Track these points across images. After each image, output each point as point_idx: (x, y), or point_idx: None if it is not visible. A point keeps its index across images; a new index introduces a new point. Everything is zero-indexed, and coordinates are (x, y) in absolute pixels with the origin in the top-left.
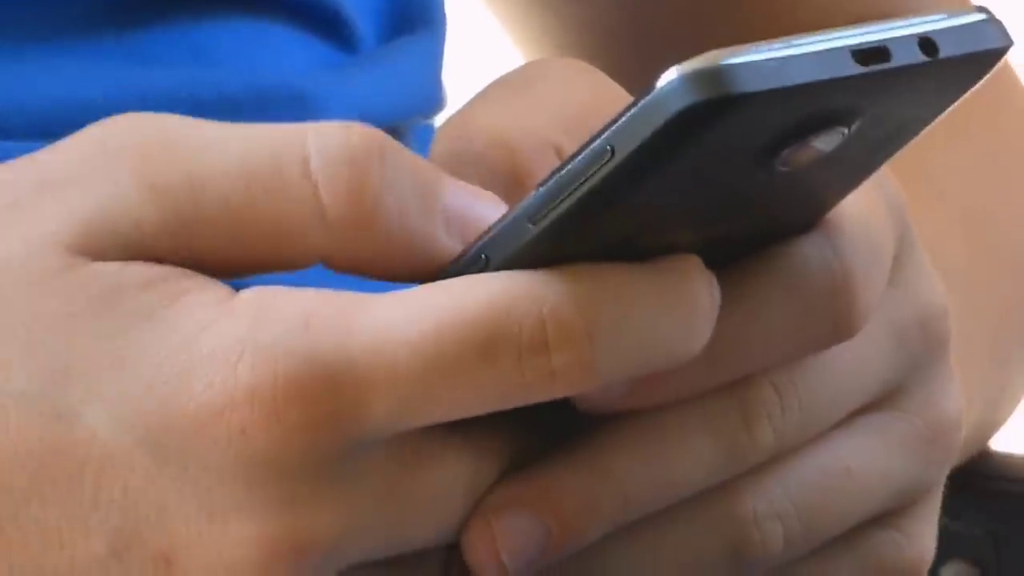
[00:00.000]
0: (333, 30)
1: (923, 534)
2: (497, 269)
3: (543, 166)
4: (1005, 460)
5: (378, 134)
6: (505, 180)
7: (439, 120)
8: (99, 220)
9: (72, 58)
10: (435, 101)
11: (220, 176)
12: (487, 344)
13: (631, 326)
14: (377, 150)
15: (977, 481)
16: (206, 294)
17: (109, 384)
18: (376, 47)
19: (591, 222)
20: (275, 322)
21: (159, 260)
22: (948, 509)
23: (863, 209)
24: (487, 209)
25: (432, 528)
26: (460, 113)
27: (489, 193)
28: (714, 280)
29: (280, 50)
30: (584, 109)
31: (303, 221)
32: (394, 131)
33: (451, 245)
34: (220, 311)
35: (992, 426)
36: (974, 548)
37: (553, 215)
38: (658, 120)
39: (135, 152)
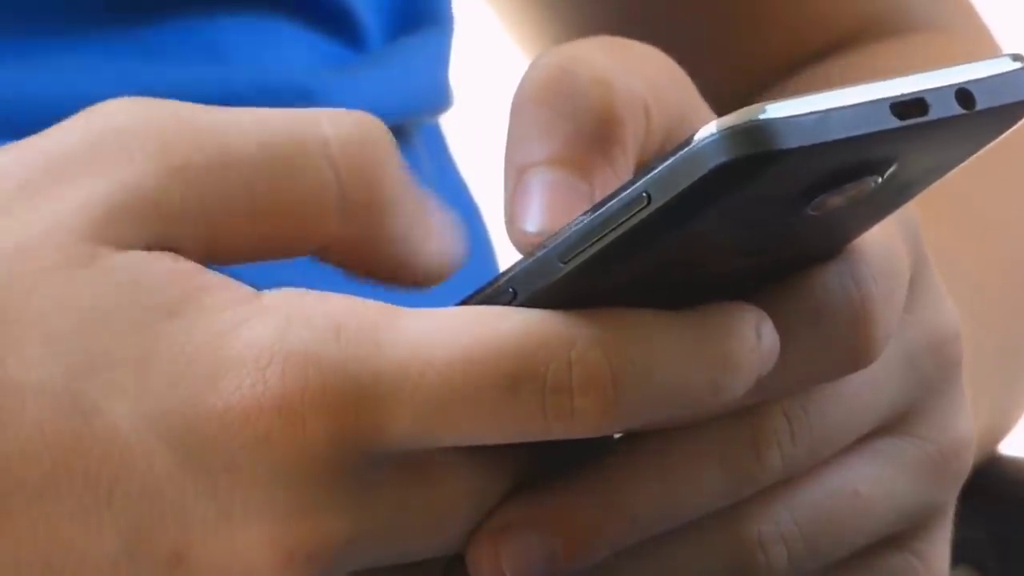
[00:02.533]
0: (340, 28)
1: (937, 556)
2: (523, 303)
3: (634, 118)
4: (1011, 464)
5: (382, 126)
6: (599, 120)
7: (444, 120)
8: (120, 205)
9: (79, 54)
10: (442, 100)
11: (243, 159)
12: (513, 378)
13: (656, 376)
14: (389, 139)
15: (982, 486)
16: (230, 292)
17: (132, 379)
18: (383, 45)
19: (621, 265)
20: (305, 328)
21: (179, 246)
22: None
23: (882, 236)
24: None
25: (438, 540)
26: (562, 48)
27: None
28: (766, 325)
29: (287, 47)
30: (665, 84)
31: (324, 204)
32: (401, 129)
33: (435, 254)
34: (248, 311)
35: (1000, 432)
36: (979, 553)
37: (584, 256)
38: (695, 173)
39: (152, 134)
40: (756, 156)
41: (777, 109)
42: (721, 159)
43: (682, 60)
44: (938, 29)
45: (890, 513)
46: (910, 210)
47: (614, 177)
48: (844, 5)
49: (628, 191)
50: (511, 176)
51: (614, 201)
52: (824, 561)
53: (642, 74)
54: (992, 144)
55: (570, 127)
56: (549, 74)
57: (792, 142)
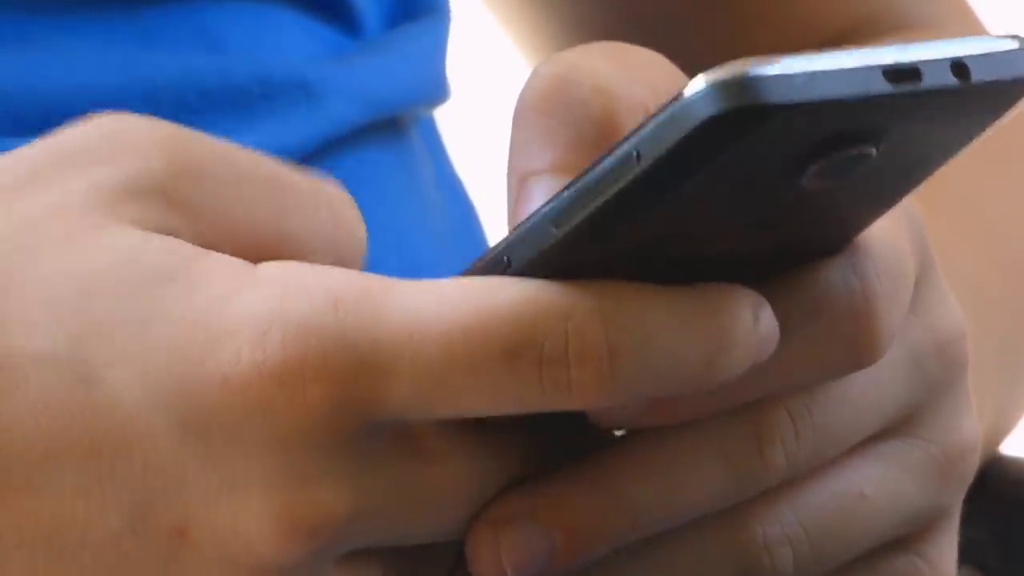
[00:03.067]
0: (338, 16)
1: (943, 558)
2: (519, 271)
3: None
4: (1013, 465)
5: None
6: (600, 128)
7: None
8: (129, 188)
9: (79, 39)
10: (440, 91)
11: (252, 178)
12: (511, 348)
13: (652, 350)
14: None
15: (984, 486)
16: (227, 263)
17: (132, 345)
18: (381, 34)
19: (615, 230)
20: (304, 298)
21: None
22: None
23: (888, 234)
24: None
25: (436, 522)
26: (563, 56)
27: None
28: (764, 310)
29: (285, 35)
30: (668, 89)
31: (317, 240)
32: (397, 122)
33: None
34: (245, 281)
35: (1001, 433)
36: (981, 554)
37: (576, 220)
38: (685, 127)
39: (166, 139)
40: (745, 108)
41: (768, 66)
42: (710, 112)
43: (674, 60)
44: (933, 29)
45: (896, 516)
46: (915, 209)
47: None
48: (836, 5)
49: (618, 151)
50: (514, 184)
51: (604, 162)
52: (829, 564)
53: (644, 80)
54: (991, 141)
55: (572, 135)
56: (550, 82)
57: (781, 98)
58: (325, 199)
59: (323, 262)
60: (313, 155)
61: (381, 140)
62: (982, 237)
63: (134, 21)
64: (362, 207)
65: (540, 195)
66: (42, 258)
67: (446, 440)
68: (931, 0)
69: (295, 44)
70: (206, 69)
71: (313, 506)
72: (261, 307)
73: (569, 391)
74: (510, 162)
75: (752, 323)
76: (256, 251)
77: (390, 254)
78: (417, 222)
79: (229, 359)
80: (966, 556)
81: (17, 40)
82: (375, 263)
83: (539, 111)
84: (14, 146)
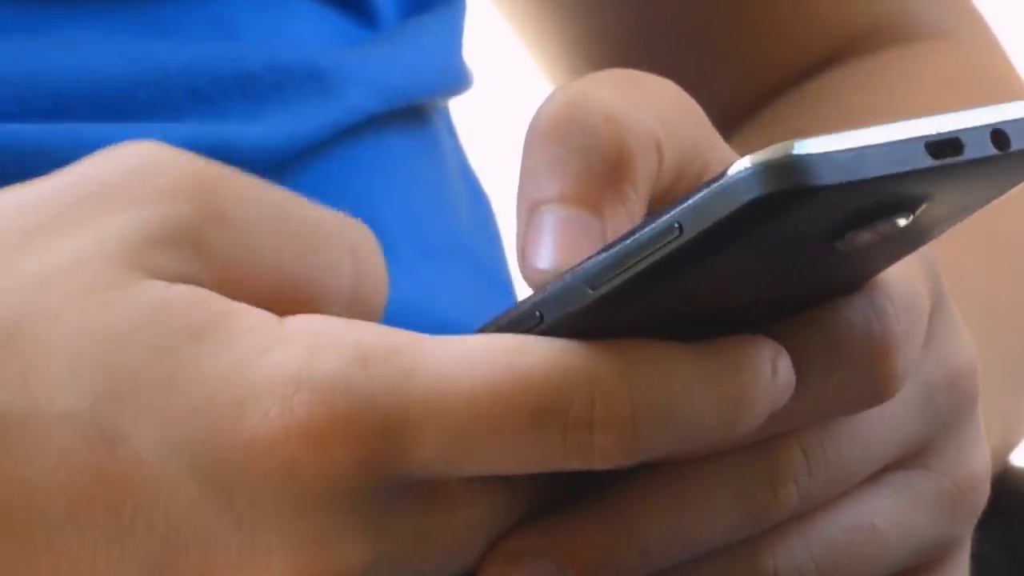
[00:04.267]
0: (353, 7)
1: None
2: (551, 328)
3: (645, 155)
4: (1022, 476)
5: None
6: (609, 157)
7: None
8: (157, 236)
9: (90, 29)
10: (458, 80)
11: (277, 223)
12: (537, 412)
13: (676, 414)
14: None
15: (992, 498)
16: (254, 317)
17: (157, 405)
18: (396, 23)
19: (648, 294)
20: (332, 355)
21: (202, 286)
22: None
23: (903, 272)
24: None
25: (450, 563)
26: (574, 85)
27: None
28: (782, 360)
29: (299, 24)
30: (678, 118)
31: (339, 287)
32: (416, 110)
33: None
34: (273, 337)
35: (1012, 444)
36: (989, 566)
37: (613, 284)
38: (728, 207)
39: (193, 179)
40: (790, 192)
41: (811, 145)
42: (755, 194)
43: (688, 71)
44: (944, 35)
45: (907, 547)
46: None
47: (626, 214)
48: (848, 11)
49: (660, 221)
50: (523, 213)
51: (645, 230)
52: None
53: (654, 109)
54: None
55: (582, 164)
56: (561, 111)
57: (826, 179)
58: (349, 242)
59: (345, 306)
60: (328, 143)
61: (402, 127)
62: (991, 250)
63: (145, 13)
64: (381, 192)
65: (549, 227)
66: (65, 315)
67: (464, 488)
68: (941, 7)
69: (310, 34)
70: (218, 56)
71: (333, 562)
72: (289, 366)
73: (591, 454)
74: (520, 188)
75: (770, 376)
76: (279, 296)
77: (409, 239)
78: (439, 208)
79: (256, 420)
80: (975, 568)
81: (28, 29)
82: (397, 244)
83: (550, 138)
84: (23, 132)
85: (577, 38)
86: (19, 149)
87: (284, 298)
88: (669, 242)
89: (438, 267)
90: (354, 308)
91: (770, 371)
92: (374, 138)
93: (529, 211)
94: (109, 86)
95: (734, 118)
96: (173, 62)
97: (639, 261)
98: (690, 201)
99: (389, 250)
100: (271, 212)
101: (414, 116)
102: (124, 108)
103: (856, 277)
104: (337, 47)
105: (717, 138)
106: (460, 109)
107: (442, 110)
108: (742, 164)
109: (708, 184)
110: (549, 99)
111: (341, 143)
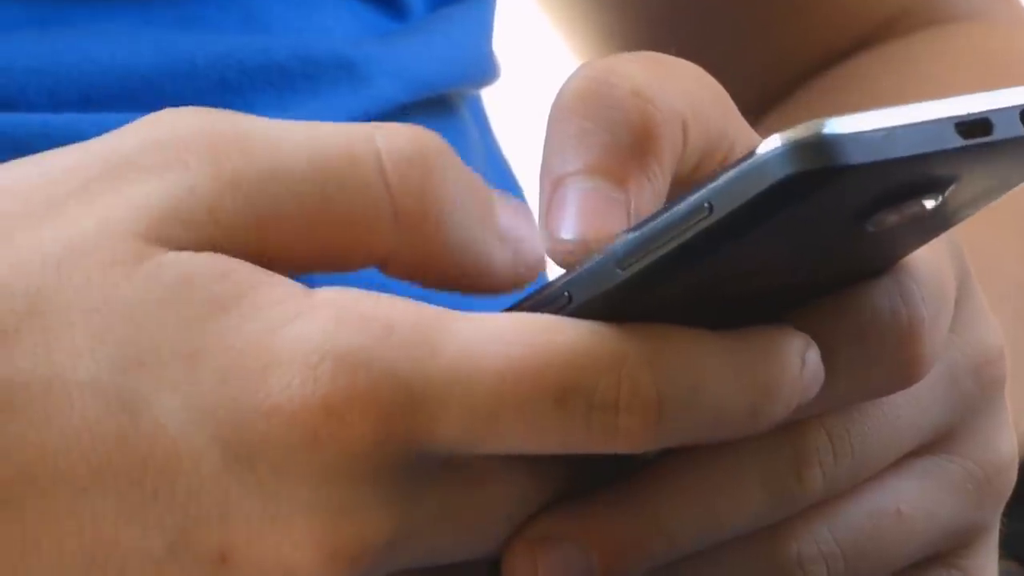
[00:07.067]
0: None
1: (985, 572)
2: (579, 308)
3: (671, 133)
4: None
5: (440, 139)
6: (635, 131)
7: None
8: (174, 208)
9: (118, 22)
10: (487, 70)
11: (294, 171)
12: (562, 393)
13: (702, 401)
14: (445, 152)
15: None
16: (279, 288)
17: (181, 375)
18: (426, 14)
19: (677, 275)
20: (357, 328)
21: (229, 252)
22: None
23: (930, 256)
24: (533, 231)
25: (474, 543)
26: (605, 60)
27: (531, 215)
28: (811, 352)
29: (328, 15)
30: (705, 101)
31: (376, 218)
32: (446, 100)
33: (507, 259)
34: (298, 308)
35: None
36: (1021, 545)
37: (643, 263)
38: (759, 185)
39: (205, 144)
40: (820, 171)
41: (841, 124)
42: (786, 172)
43: (718, 56)
44: (976, 17)
45: (932, 532)
46: None
47: (650, 189)
48: None
49: (690, 200)
50: (547, 186)
51: (675, 209)
52: None
53: (681, 90)
54: None
55: (607, 138)
56: (587, 85)
57: (857, 158)
58: (376, 163)
59: (390, 233)
60: None
61: (430, 116)
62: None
63: (177, 3)
64: None
65: (573, 198)
66: (87, 287)
67: (488, 463)
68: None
69: (339, 25)
70: (247, 48)
71: (355, 534)
72: (314, 337)
73: (615, 437)
74: (544, 162)
75: (799, 369)
76: (312, 245)
77: None
78: None
79: (279, 389)
80: (1006, 548)
81: (59, 23)
82: None
83: (575, 113)
84: (53, 122)
85: (608, 22)
86: (48, 140)
87: (318, 244)
88: (699, 221)
89: None
90: (402, 229)
91: (799, 363)
92: None
93: (553, 184)
94: (138, 78)
95: (763, 103)
96: (202, 54)
97: (668, 241)
98: (720, 180)
99: None
100: (287, 161)
101: (442, 106)
102: (153, 100)
103: (883, 260)
104: (366, 38)
105: (743, 123)
106: (492, 99)
107: (472, 100)
108: (772, 143)
109: (738, 163)
110: (574, 74)
111: None
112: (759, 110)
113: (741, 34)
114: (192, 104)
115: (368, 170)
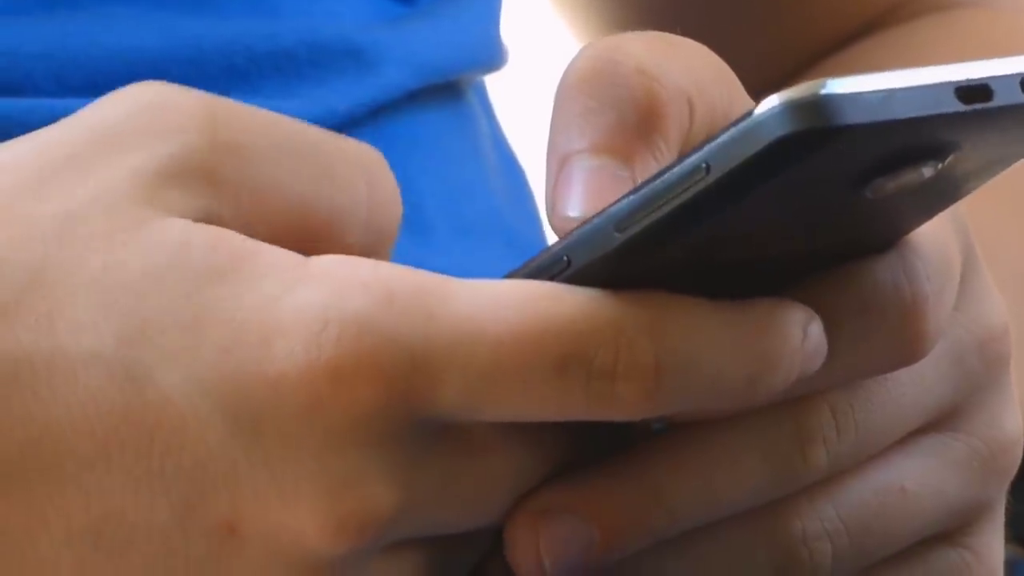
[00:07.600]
0: None
1: (991, 550)
2: (578, 272)
3: (677, 111)
4: None
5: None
6: (641, 109)
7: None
8: (170, 172)
9: (128, 7)
10: (495, 55)
11: (291, 148)
12: (562, 360)
13: (700, 369)
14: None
15: None
16: (278, 256)
17: (184, 345)
18: (432, 1)
19: (676, 237)
20: (358, 293)
21: (222, 221)
22: None
23: (935, 232)
24: None
25: (479, 512)
26: (609, 39)
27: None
28: (813, 325)
29: (336, 1)
30: (710, 80)
31: (354, 214)
32: (454, 85)
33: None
34: (298, 276)
35: None
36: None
37: (640, 226)
38: (756, 145)
39: (203, 111)
40: (817, 130)
41: (840, 84)
42: (783, 131)
43: (724, 40)
44: (981, 2)
45: (937, 510)
46: (957, 203)
47: (656, 167)
48: None
49: (687, 161)
50: (553, 164)
51: (672, 171)
52: (871, 558)
53: (687, 68)
54: None
55: (613, 116)
56: (593, 64)
57: (854, 118)
58: (363, 166)
59: (361, 232)
60: (363, 119)
61: (438, 102)
62: None
63: None
64: (416, 169)
65: (579, 176)
66: (87, 257)
67: (491, 433)
68: None
69: (347, 10)
70: (254, 33)
71: (361, 502)
72: (315, 304)
73: (613, 404)
74: (550, 141)
75: (800, 342)
76: (297, 223)
77: (444, 216)
78: (474, 185)
79: (282, 357)
80: (1010, 529)
81: (66, 7)
82: (433, 221)
83: (582, 91)
84: (59, 107)
85: (612, 8)
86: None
87: (301, 225)
88: (696, 182)
89: (473, 243)
90: (369, 234)
91: (800, 334)
92: (409, 115)
93: (559, 163)
94: (145, 62)
95: (768, 88)
96: (209, 39)
97: (666, 203)
98: (717, 140)
99: (424, 227)
100: (283, 140)
101: (449, 92)
102: None
103: (886, 235)
104: (373, 24)
105: (748, 100)
106: (497, 85)
107: (477, 85)
108: (770, 102)
109: (735, 123)
110: (579, 54)
111: (377, 120)
112: (764, 95)
113: (746, 20)
114: (200, 90)
115: (356, 170)
